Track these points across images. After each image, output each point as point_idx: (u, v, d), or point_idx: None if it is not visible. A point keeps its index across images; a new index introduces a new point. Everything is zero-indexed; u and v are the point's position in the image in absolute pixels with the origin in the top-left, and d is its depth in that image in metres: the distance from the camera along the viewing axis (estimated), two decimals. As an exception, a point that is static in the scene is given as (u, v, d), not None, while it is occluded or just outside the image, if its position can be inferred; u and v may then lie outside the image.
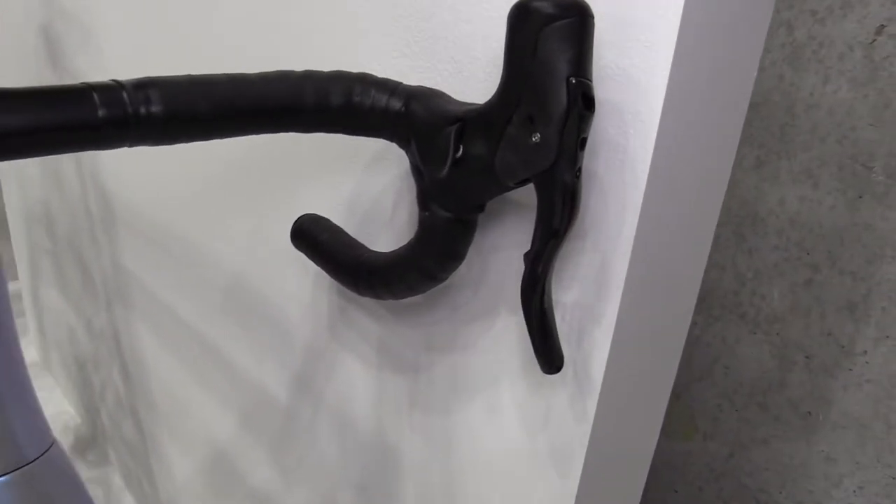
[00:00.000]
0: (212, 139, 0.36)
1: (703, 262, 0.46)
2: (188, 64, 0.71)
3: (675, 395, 0.49)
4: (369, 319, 0.58)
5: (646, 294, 0.41)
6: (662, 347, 0.47)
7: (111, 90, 0.32)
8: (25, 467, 0.43)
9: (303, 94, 0.38)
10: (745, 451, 1.12)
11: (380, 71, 0.43)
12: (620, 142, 0.36)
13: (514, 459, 0.48)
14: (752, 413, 1.09)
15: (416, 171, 0.42)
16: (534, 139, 0.34)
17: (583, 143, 0.34)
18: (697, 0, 0.33)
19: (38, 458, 0.44)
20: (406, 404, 0.57)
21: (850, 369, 0.97)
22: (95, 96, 0.31)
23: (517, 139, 0.35)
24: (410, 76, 0.47)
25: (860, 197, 0.92)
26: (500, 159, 0.36)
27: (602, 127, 0.37)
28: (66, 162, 1.18)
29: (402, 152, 0.43)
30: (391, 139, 0.42)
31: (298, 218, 0.53)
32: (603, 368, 0.40)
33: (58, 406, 1.68)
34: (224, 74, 0.36)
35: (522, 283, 0.37)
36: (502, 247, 0.45)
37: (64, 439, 1.54)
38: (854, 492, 1.00)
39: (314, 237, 0.51)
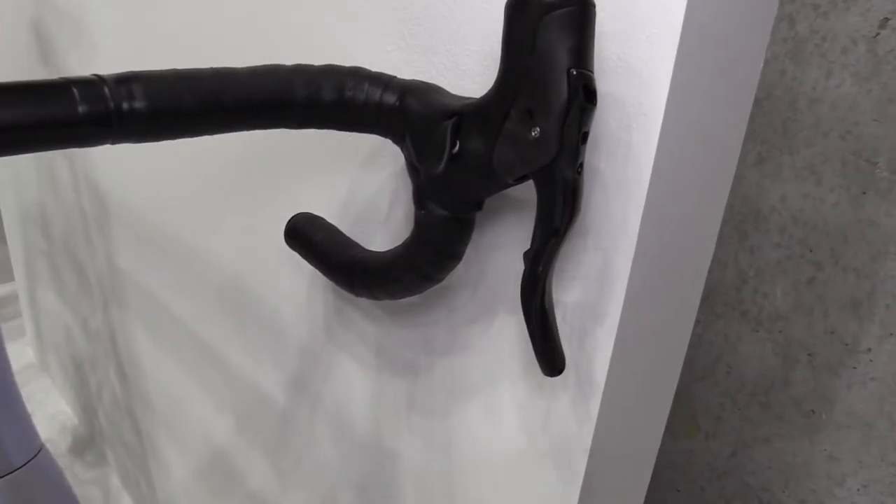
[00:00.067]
0: (198, 136, 0.35)
1: (708, 260, 0.45)
2: (182, 60, 0.70)
3: (677, 394, 0.49)
4: (366, 320, 0.58)
5: (649, 293, 0.40)
6: (666, 347, 0.46)
7: (92, 85, 0.30)
8: (12, 474, 0.43)
9: (293, 89, 0.37)
10: (747, 449, 1.11)
11: (374, 65, 0.42)
12: (623, 136, 0.35)
13: (514, 461, 0.47)
14: (755, 412, 1.08)
15: (412, 168, 0.41)
16: (533, 134, 0.33)
17: (584, 137, 0.33)
18: (702, -11, 0.32)
19: (25, 465, 0.43)
20: (405, 406, 0.56)
21: (854, 367, 0.96)
22: (75, 91, 0.30)
23: (516, 134, 0.34)
24: (405, 70, 0.46)
25: (864, 193, 0.91)
26: (498, 155, 0.35)
27: (604, 121, 0.36)
28: (60, 162, 1.17)
29: (397, 149, 0.42)
30: (385, 135, 0.41)
31: (292, 217, 0.52)
32: (606, 370, 0.40)
33: (55, 407, 1.68)
34: (210, 68, 0.34)
35: (522, 283, 0.36)
36: (501, 245, 0.44)
37: (61, 440, 1.54)
38: (858, 490, 0.99)
39: (308, 236, 0.50)
